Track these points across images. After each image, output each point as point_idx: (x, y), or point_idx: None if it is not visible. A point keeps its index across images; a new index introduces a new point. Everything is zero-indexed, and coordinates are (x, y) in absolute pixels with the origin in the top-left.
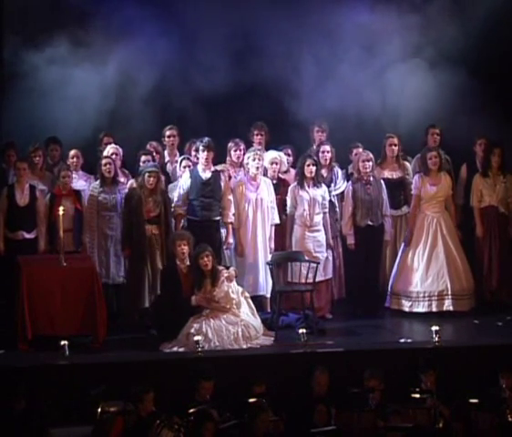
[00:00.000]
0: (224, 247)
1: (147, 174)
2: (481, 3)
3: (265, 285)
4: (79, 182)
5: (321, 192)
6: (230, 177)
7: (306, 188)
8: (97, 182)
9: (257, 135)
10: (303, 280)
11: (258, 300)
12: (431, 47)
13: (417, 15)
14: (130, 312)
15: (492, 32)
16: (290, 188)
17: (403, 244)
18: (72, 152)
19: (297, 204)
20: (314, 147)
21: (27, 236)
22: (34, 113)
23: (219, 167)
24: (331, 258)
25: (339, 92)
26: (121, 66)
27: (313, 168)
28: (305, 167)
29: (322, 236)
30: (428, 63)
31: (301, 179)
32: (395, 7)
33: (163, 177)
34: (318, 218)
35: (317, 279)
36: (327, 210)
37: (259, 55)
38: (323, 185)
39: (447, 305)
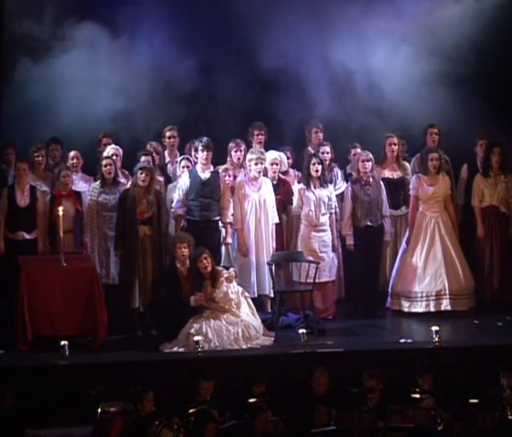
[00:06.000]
0: (223, 247)
1: (139, 171)
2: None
3: (270, 285)
4: (80, 183)
5: (327, 192)
6: (235, 177)
7: (312, 188)
8: (98, 183)
9: (257, 135)
10: (308, 280)
11: (258, 300)
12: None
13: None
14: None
15: (493, 32)
16: (296, 188)
17: (402, 245)
18: (72, 153)
19: (303, 204)
20: (310, 147)
21: (27, 236)
22: (34, 113)
23: (221, 168)
24: (336, 258)
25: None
26: (125, 66)
27: (319, 167)
28: (311, 166)
29: (327, 236)
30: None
31: (307, 179)
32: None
33: (162, 178)
34: (324, 219)
35: (323, 280)
36: (333, 211)
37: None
38: (330, 185)
39: (445, 305)
